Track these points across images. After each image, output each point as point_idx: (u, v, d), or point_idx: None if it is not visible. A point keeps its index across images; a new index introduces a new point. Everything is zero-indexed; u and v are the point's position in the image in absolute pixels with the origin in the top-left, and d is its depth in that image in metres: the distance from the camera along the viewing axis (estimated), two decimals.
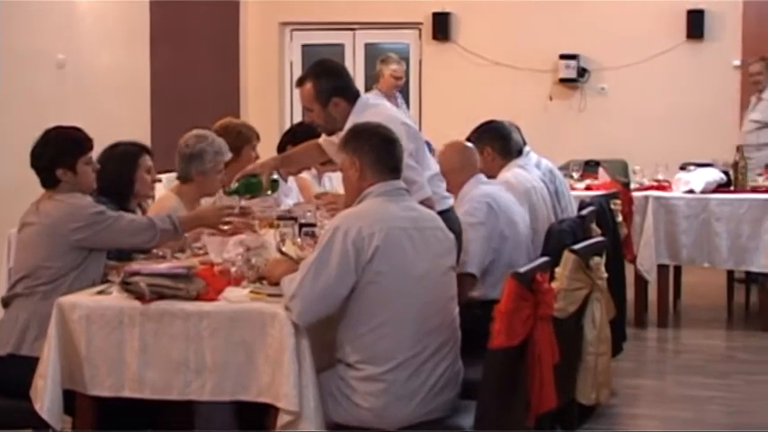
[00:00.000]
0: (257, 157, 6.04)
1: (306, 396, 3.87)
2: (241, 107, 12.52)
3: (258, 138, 6.15)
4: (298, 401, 3.84)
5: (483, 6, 12.32)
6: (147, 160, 5.26)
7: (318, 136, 5.37)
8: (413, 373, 3.89)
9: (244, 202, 5.19)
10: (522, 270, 3.66)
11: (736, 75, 11.73)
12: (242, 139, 6.02)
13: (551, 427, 4.19)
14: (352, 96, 4.91)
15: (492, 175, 6.09)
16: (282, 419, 3.87)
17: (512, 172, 6.17)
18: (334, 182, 6.93)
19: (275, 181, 5.43)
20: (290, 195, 6.29)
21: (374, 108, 4.88)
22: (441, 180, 5.13)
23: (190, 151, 5.49)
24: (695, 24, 11.89)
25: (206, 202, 5.56)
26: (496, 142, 6.25)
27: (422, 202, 4.44)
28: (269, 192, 5.36)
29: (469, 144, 5.82)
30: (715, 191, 8.23)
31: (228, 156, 5.60)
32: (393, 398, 3.87)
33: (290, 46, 13.22)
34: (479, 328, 3.77)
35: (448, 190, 5.22)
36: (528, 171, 6.32)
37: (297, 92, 5.07)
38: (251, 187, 5.27)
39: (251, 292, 4.15)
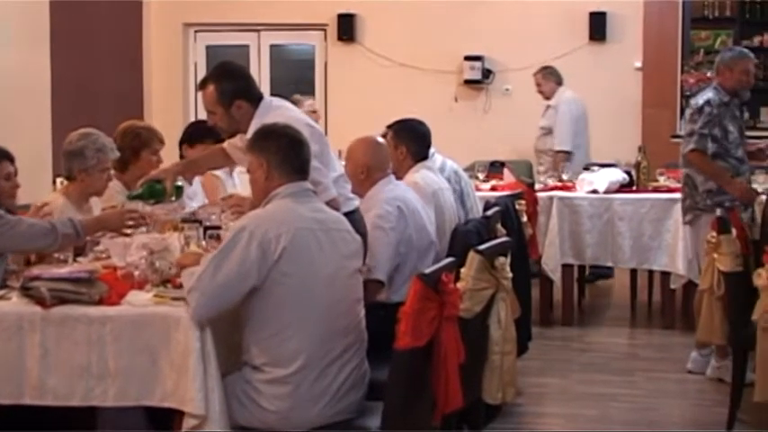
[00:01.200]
0: (159, 162, 5.97)
1: (211, 400, 3.83)
2: (145, 109, 12.38)
3: (162, 142, 6.06)
4: (203, 405, 3.80)
5: (388, 8, 12.34)
6: (5, 167, 5.14)
7: (216, 135, 5.33)
8: (319, 375, 3.87)
9: (148, 208, 5.13)
10: (427, 271, 3.67)
11: (637, 76, 11.90)
12: (140, 141, 5.95)
13: (458, 427, 4.21)
14: (255, 98, 4.89)
15: (398, 175, 6.08)
16: (188, 423, 3.83)
17: (420, 174, 6.16)
18: (244, 178, 6.88)
19: (179, 187, 5.38)
20: (194, 198, 6.23)
21: (278, 110, 4.86)
22: (346, 181, 5.13)
23: (71, 148, 5.44)
24: (597, 26, 12.04)
25: (94, 202, 5.50)
26: (413, 144, 6.24)
27: (327, 204, 4.43)
28: (173, 198, 5.30)
29: (382, 140, 5.79)
30: (618, 191, 8.34)
31: (114, 154, 5.54)
32: (299, 400, 3.85)
33: (194, 47, 13.10)
34: (383, 330, 3.78)
35: (353, 191, 5.22)
36: (433, 173, 6.33)
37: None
38: (155, 192, 5.20)
39: (155, 295, 4.09)
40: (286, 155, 4.09)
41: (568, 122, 10.03)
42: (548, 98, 10.23)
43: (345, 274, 4.03)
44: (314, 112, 9.56)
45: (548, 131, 10.06)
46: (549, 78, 10.24)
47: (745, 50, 7.23)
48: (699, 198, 6.92)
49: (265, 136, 4.17)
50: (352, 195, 5.14)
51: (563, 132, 10.06)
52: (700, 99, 6.94)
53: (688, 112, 7.01)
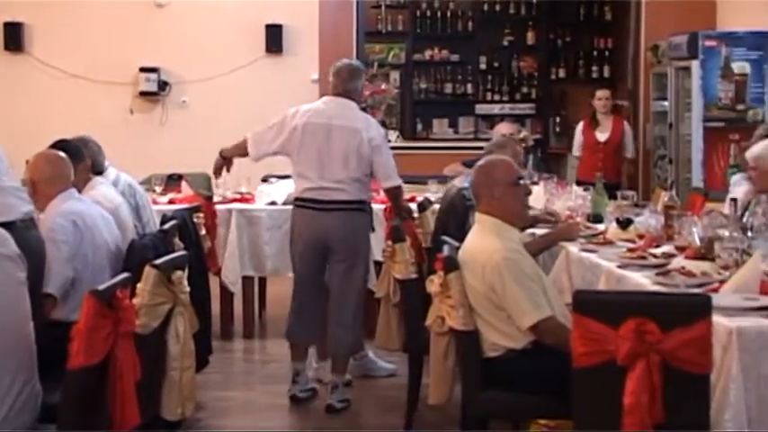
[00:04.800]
0: None
1: None
2: None
3: None
4: None
5: (59, 17, 11.99)
6: None
7: None
8: None
9: None
10: (100, 287, 3.58)
11: (314, 88, 12.05)
12: None
13: None
14: None
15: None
16: None
17: (98, 190, 6.03)
18: None
19: None
20: None
21: None
22: (20, 190, 4.98)
23: None
24: (274, 39, 12.16)
25: None
26: (90, 158, 6.11)
27: None
28: None
29: (63, 155, 5.60)
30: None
31: None
32: None
33: None
34: (60, 349, 3.65)
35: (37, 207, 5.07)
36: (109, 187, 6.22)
37: None
38: None
39: None
40: None
41: None
42: None
43: (8, 290, 3.84)
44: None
45: None
46: None
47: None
48: None
49: None
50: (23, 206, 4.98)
51: None
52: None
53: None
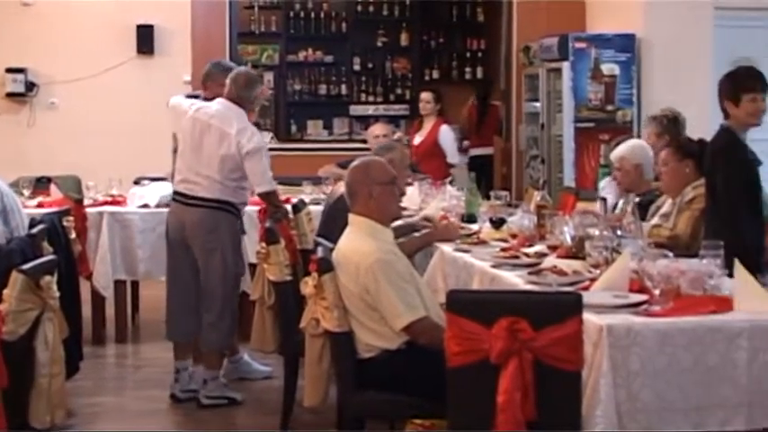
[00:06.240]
0: None
1: None
2: None
3: None
4: None
5: None
6: None
7: None
8: None
9: None
10: None
11: (186, 89, 11.88)
12: None
13: None
14: None
15: None
16: None
17: None
18: None
19: None
20: None
21: None
22: None
23: None
24: (145, 40, 11.97)
25: None
26: None
27: None
28: None
29: None
30: (168, 205, 8.27)
31: None
32: None
33: None
34: None
35: None
36: None
37: None
38: None
39: None
40: None
41: None
42: None
43: None
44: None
45: None
46: None
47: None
48: None
49: None
50: None
51: None
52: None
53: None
